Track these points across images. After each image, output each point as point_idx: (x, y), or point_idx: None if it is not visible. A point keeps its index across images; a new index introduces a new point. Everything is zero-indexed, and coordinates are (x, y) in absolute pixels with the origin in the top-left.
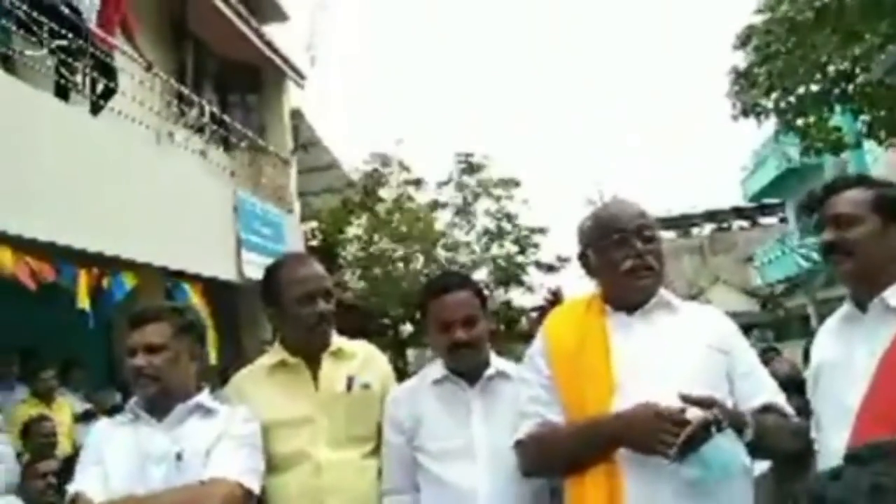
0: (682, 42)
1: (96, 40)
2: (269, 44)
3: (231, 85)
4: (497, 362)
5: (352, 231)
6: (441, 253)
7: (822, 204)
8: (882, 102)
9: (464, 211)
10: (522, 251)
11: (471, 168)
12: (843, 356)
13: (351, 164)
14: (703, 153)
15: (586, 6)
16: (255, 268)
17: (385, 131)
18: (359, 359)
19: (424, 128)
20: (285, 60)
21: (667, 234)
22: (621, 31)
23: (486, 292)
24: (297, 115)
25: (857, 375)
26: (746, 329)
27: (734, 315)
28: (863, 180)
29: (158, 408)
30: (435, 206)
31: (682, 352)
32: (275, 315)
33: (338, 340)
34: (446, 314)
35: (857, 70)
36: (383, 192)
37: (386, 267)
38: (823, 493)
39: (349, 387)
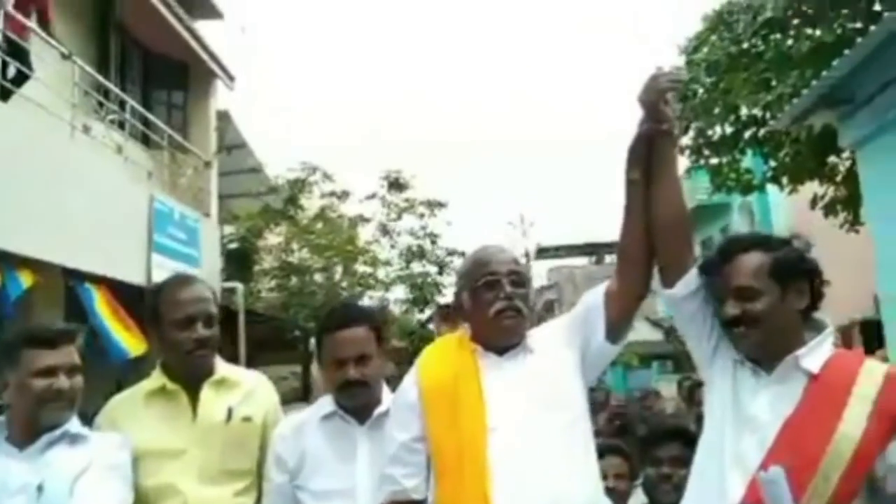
0: (608, 72)
1: (9, 23)
2: (199, 40)
3: (157, 80)
4: (387, 399)
5: (271, 238)
6: (361, 268)
7: (720, 269)
8: (787, 149)
9: (387, 227)
10: (441, 271)
11: (397, 185)
12: (745, 407)
13: (275, 171)
14: (618, 184)
15: (518, 41)
16: (165, 272)
17: (312, 141)
18: (243, 389)
19: (352, 143)
20: (215, 59)
21: (581, 261)
22: (548, 62)
23: (392, 316)
24: (223, 116)
25: (757, 428)
26: (649, 359)
27: (639, 343)
28: (758, 242)
29: (26, 435)
30: (358, 220)
31: (551, 393)
32: (155, 338)
33: (224, 368)
34: (339, 351)
35: (768, 116)
36: (306, 202)
37: (303, 278)
38: None
39: (228, 418)
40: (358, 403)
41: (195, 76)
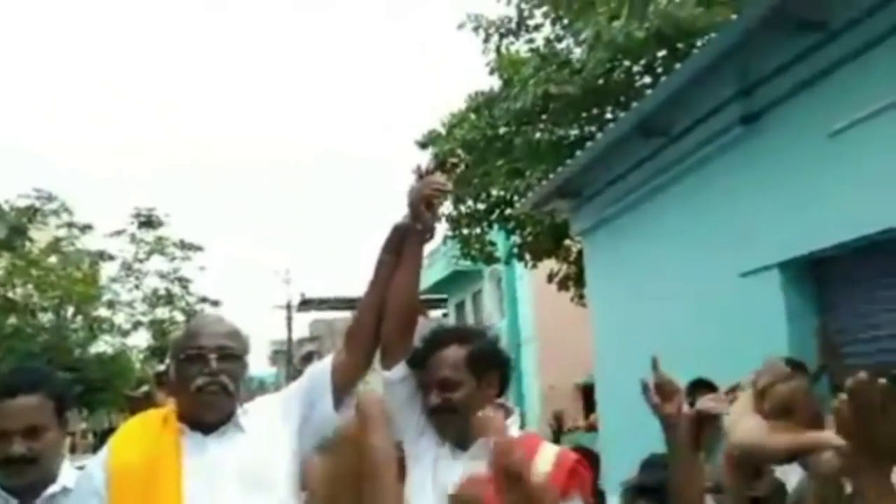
0: (374, 128)
1: None
2: None
3: None
4: (66, 477)
5: None
6: (98, 312)
7: (426, 361)
8: (530, 229)
9: (132, 266)
10: (189, 320)
11: (149, 223)
12: (443, 482)
13: (3, 195)
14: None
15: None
16: None
17: (52, 171)
18: None
19: (102, 177)
20: None
21: (344, 314)
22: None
23: (128, 364)
24: None
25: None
26: None
27: None
28: (458, 335)
29: None
30: (100, 256)
31: (256, 475)
32: None
33: None
34: (3, 422)
35: (516, 198)
36: (36, 234)
37: (24, 317)
38: None
39: None
40: (23, 483)
41: None
